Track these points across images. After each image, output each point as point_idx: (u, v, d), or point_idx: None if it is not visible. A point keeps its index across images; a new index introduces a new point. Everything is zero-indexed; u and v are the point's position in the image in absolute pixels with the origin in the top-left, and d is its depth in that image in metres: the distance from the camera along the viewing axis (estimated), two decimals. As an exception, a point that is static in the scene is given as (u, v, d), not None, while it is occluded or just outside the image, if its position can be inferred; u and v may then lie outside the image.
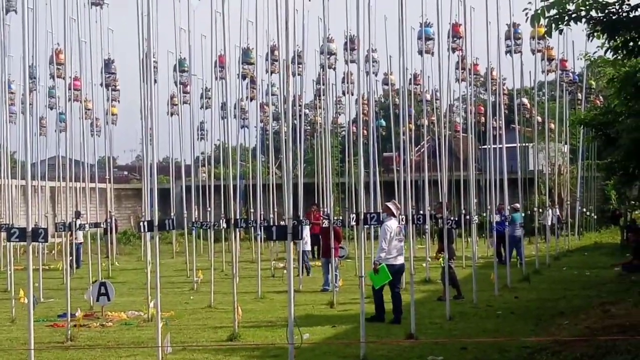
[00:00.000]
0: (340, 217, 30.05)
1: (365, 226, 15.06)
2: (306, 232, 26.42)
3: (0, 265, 31.41)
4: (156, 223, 13.53)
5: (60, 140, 32.85)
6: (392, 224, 16.58)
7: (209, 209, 26.22)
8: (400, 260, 16.75)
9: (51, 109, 33.81)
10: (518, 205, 27.99)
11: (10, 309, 18.31)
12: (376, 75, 32.82)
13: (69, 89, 24.52)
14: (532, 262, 27.56)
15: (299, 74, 27.16)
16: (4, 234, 28.83)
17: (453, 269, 19.84)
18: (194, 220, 30.27)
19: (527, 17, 12.49)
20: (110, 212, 35.96)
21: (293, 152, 13.00)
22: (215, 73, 28.64)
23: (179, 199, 37.39)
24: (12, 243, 20.43)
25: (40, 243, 21.76)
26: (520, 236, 27.46)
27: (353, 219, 17.36)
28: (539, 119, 35.87)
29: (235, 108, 33.52)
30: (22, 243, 12.53)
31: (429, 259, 25.21)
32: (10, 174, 30.81)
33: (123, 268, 32.35)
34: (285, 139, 12.72)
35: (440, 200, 21.30)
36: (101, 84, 32.73)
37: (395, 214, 16.89)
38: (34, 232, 11.34)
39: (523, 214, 28.96)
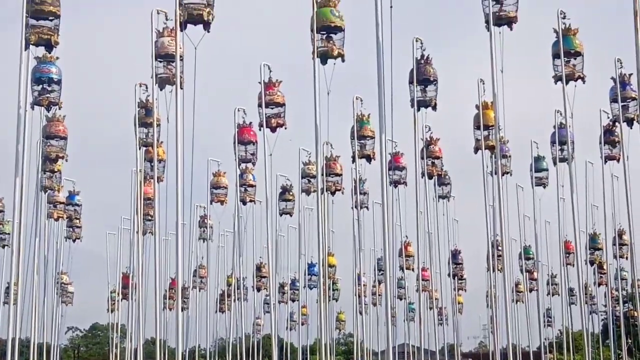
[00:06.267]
0: None
1: None
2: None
3: None
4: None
5: (410, 329, 33.84)
6: None
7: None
8: None
9: (400, 299, 34.89)
10: None
11: None
12: None
13: (418, 279, 25.35)
14: None
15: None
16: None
17: None
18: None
19: None
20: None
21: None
22: (562, 259, 28.46)
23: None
24: None
25: None
26: None
27: None
28: None
29: (583, 293, 32.80)
30: None
31: None
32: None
33: None
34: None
35: None
36: (448, 274, 33.51)
37: None
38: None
39: None
